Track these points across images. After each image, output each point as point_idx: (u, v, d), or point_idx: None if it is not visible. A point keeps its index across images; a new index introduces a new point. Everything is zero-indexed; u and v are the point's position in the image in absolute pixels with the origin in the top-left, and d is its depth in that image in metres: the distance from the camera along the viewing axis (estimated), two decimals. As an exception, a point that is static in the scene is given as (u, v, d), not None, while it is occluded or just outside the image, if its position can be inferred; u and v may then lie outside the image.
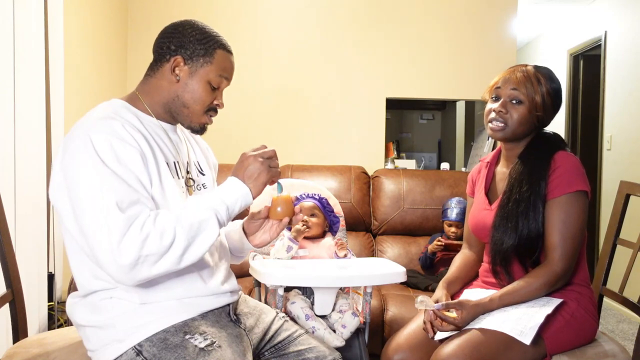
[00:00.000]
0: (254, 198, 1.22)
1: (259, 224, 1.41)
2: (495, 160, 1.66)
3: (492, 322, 1.36)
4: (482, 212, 1.59)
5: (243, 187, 1.19)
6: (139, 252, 1.05)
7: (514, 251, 1.45)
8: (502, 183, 1.57)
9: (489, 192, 1.62)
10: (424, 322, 1.46)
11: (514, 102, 1.48)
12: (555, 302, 1.40)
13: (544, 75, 1.50)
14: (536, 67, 1.52)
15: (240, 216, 1.49)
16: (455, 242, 2.53)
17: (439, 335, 1.42)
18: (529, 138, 1.54)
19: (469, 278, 1.66)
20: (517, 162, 1.52)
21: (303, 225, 1.84)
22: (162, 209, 1.15)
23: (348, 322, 1.67)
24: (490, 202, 1.58)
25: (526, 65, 1.53)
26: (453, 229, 2.59)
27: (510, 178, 1.51)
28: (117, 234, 1.04)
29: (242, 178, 1.20)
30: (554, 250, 1.41)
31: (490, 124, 1.52)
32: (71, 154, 1.11)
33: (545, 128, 1.57)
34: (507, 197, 1.49)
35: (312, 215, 1.91)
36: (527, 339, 1.29)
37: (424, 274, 2.62)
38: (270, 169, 1.22)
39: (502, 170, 1.60)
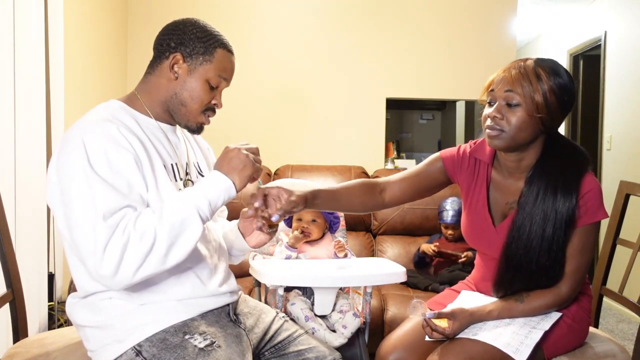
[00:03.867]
0: (237, 191, 1.19)
1: (252, 224, 1.40)
2: (491, 162, 1.45)
3: (486, 335, 1.31)
4: (485, 231, 1.43)
5: (226, 181, 1.17)
6: (121, 257, 1.04)
7: (525, 285, 1.37)
8: (506, 196, 1.42)
9: (490, 206, 1.44)
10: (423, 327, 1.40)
11: (510, 105, 1.28)
12: (555, 316, 1.36)
13: (547, 69, 1.28)
14: (538, 61, 1.30)
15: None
16: (449, 251, 2.51)
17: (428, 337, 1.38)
18: (537, 146, 1.34)
19: (347, 206, 1.46)
20: (530, 186, 1.33)
21: (301, 232, 1.83)
22: (146, 209, 1.14)
23: (349, 323, 1.67)
24: (494, 220, 1.42)
25: (526, 60, 1.31)
26: (450, 231, 2.59)
27: (526, 208, 1.32)
28: (101, 243, 1.04)
29: (226, 171, 1.18)
30: (565, 277, 1.34)
31: (487, 132, 1.32)
32: (65, 157, 1.11)
33: (558, 132, 1.39)
34: (522, 233, 1.32)
35: (313, 220, 1.89)
36: (522, 357, 1.25)
37: (423, 274, 2.62)
38: (254, 162, 1.20)
39: (506, 180, 1.42)
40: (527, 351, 1.26)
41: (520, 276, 1.36)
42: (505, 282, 1.39)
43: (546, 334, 1.32)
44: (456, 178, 1.50)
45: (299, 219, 1.88)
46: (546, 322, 1.34)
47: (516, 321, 1.35)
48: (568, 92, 1.29)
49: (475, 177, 1.47)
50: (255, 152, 1.23)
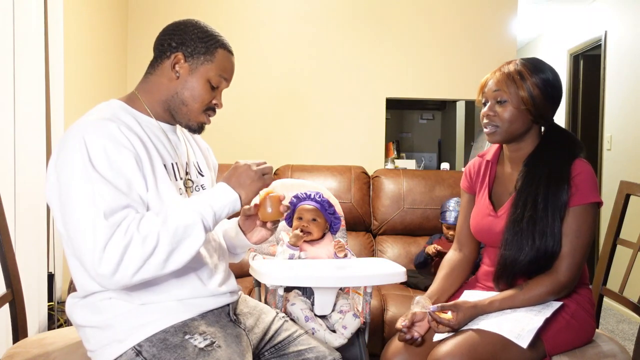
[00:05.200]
0: (242, 205, 1.21)
1: (253, 221, 1.40)
2: (497, 159, 1.60)
3: (489, 323, 1.35)
4: (486, 217, 1.53)
5: (232, 194, 1.18)
6: (121, 257, 1.04)
7: (526, 269, 1.41)
8: (507, 185, 1.52)
9: (492, 196, 1.56)
10: (399, 329, 1.46)
11: (500, 102, 1.45)
12: (555, 305, 1.39)
13: (530, 67, 1.44)
14: (522, 60, 1.47)
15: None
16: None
17: (437, 337, 1.41)
18: (533, 137, 1.49)
19: (455, 286, 1.61)
20: (527, 170, 1.45)
21: (302, 231, 1.83)
22: (149, 212, 1.14)
23: (349, 323, 1.67)
24: (495, 208, 1.52)
25: (511, 62, 1.48)
26: (451, 232, 2.59)
27: (522, 188, 1.44)
28: (101, 241, 1.04)
29: (234, 185, 1.20)
30: (562, 260, 1.39)
31: (484, 129, 1.50)
32: (65, 156, 1.11)
33: (554, 122, 1.51)
34: (520, 212, 1.41)
35: (314, 219, 1.88)
36: (524, 343, 1.28)
37: (424, 274, 2.62)
38: (262, 177, 1.22)
39: (507, 172, 1.55)
40: (529, 336, 1.29)
41: (520, 260, 1.40)
42: (507, 265, 1.42)
43: (546, 325, 1.34)
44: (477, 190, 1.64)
45: (300, 218, 1.88)
46: (547, 310, 1.37)
47: (517, 310, 1.38)
48: (552, 86, 1.45)
49: (482, 176, 1.61)
50: (268, 172, 1.24)
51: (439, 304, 1.41)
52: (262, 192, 1.32)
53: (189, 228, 1.11)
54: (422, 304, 1.43)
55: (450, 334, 1.38)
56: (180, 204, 1.16)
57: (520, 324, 1.32)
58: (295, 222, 1.89)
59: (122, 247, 1.04)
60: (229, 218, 1.52)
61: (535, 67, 1.45)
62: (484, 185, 1.58)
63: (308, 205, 1.90)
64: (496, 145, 1.61)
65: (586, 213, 1.40)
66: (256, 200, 1.37)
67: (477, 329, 1.34)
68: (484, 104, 1.50)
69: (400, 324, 1.46)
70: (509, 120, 1.44)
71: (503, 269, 1.44)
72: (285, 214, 1.35)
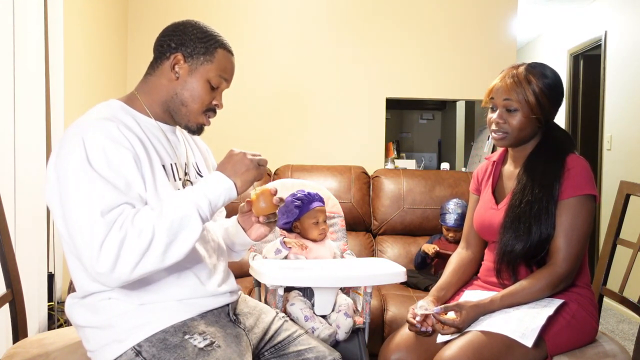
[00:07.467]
0: (238, 194, 1.20)
1: (250, 217, 1.40)
2: (502, 159, 1.65)
3: (493, 324, 1.35)
4: (488, 211, 1.57)
5: (227, 181, 1.17)
6: (118, 253, 1.04)
7: (523, 253, 1.44)
8: (509, 182, 1.56)
9: (496, 192, 1.61)
10: (411, 323, 1.46)
11: (510, 110, 1.48)
12: (557, 302, 1.40)
13: (536, 73, 1.47)
14: (528, 67, 1.49)
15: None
16: (449, 252, 2.51)
17: (441, 338, 1.41)
18: (537, 138, 1.53)
19: (462, 282, 1.64)
20: (527, 163, 1.51)
21: (303, 247, 1.84)
22: (144, 207, 1.13)
23: (341, 323, 1.68)
24: (497, 202, 1.57)
25: (518, 67, 1.50)
26: (451, 234, 2.59)
27: (521, 179, 1.49)
28: (98, 239, 1.04)
29: (229, 173, 1.18)
30: (558, 252, 1.41)
31: (493, 134, 1.54)
32: (64, 155, 1.11)
33: (553, 121, 1.55)
34: (518, 198, 1.46)
35: (324, 220, 1.90)
36: (528, 342, 1.29)
37: (424, 274, 2.62)
38: (258, 167, 1.21)
39: (510, 170, 1.59)
40: (534, 335, 1.30)
41: (517, 244, 1.43)
42: (506, 251, 1.45)
43: (548, 325, 1.34)
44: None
45: (316, 222, 1.88)
46: (549, 308, 1.37)
47: (520, 308, 1.39)
48: (556, 89, 1.50)
49: (488, 175, 1.65)
50: (263, 164, 1.23)
51: (442, 306, 1.42)
52: (257, 190, 1.32)
53: (185, 219, 1.10)
54: (425, 307, 1.43)
55: (455, 335, 1.38)
56: (174, 195, 1.15)
57: (523, 323, 1.33)
58: (311, 226, 1.88)
59: (118, 243, 1.04)
60: (227, 215, 1.53)
61: (541, 73, 1.48)
62: (489, 182, 1.63)
63: (321, 206, 1.90)
64: (502, 148, 1.65)
65: (581, 205, 1.42)
66: (250, 197, 1.36)
67: (481, 331, 1.34)
68: (492, 109, 1.53)
69: (413, 318, 1.46)
70: (519, 128, 1.48)
71: (502, 255, 1.46)
72: (279, 205, 1.33)
